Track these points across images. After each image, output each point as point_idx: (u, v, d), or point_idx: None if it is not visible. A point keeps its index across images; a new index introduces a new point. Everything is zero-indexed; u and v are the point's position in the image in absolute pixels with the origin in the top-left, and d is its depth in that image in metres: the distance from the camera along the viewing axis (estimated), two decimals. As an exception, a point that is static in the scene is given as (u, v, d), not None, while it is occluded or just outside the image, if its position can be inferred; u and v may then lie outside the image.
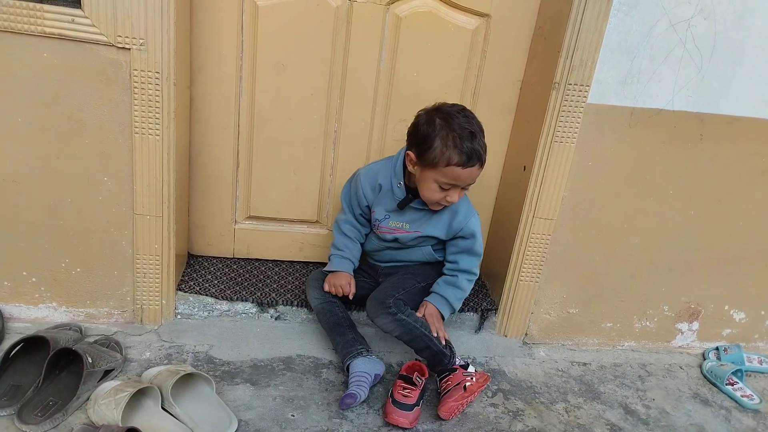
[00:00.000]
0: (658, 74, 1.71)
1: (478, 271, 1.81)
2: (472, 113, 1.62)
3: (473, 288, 1.85)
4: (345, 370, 1.70)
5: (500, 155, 2.00)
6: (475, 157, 1.56)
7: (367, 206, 1.80)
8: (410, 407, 1.58)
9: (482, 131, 1.60)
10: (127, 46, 1.49)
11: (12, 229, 1.64)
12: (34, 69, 1.49)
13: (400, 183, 1.72)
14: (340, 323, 1.77)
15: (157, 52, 1.50)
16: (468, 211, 1.77)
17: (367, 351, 1.70)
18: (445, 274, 1.82)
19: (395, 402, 1.58)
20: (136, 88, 1.53)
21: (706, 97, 1.76)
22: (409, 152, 1.65)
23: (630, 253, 1.95)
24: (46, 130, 1.56)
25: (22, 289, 1.71)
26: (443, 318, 1.77)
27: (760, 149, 1.86)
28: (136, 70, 1.51)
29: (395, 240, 1.81)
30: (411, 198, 1.73)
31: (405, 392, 1.60)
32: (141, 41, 1.49)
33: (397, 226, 1.78)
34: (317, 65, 1.82)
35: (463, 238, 1.78)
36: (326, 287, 1.80)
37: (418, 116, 1.65)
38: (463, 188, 1.65)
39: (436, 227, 1.77)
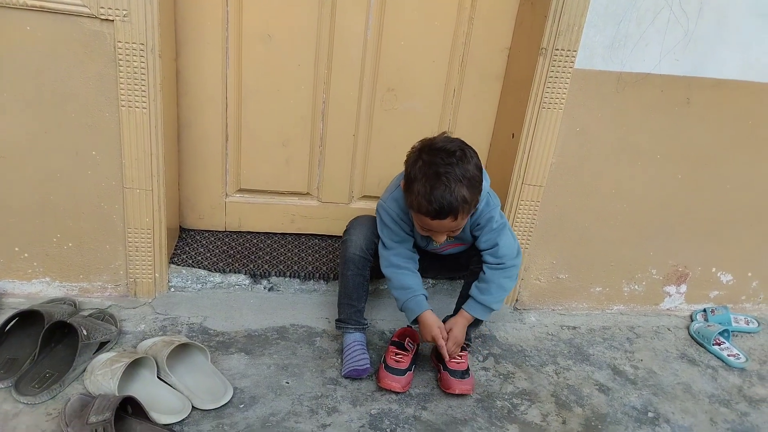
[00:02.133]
0: (645, 38, 1.71)
1: (508, 261, 1.61)
2: (465, 155, 1.44)
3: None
4: (339, 329, 1.72)
5: (489, 123, 2.00)
6: (445, 211, 1.42)
7: (411, 231, 1.65)
8: (402, 372, 1.61)
9: (468, 178, 1.42)
10: (110, 18, 1.48)
11: (2, 205, 1.64)
12: (18, 42, 1.48)
13: None
14: (364, 286, 1.70)
15: (141, 24, 1.49)
16: (487, 203, 1.61)
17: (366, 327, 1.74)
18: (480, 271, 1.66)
19: (388, 367, 1.61)
20: (120, 60, 1.52)
21: (693, 61, 1.77)
22: (402, 181, 1.54)
23: (618, 218, 1.97)
24: (33, 105, 1.55)
25: (15, 265, 1.72)
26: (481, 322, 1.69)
27: (746, 112, 1.87)
28: (120, 41, 1.50)
29: (448, 255, 1.76)
30: None
31: (397, 357, 1.63)
32: (124, 12, 1.48)
33: (441, 245, 1.66)
34: (303, 35, 1.81)
35: (480, 227, 1.63)
36: (427, 339, 1.63)
37: (412, 147, 1.52)
38: (453, 231, 1.53)
39: (465, 230, 1.64)
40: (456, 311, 1.73)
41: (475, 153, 1.48)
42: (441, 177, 1.41)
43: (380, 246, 1.66)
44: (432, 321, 1.63)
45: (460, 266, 1.77)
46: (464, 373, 1.64)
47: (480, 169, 1.48)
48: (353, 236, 1.68)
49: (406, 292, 1.64)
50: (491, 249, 1.62)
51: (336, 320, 1.74)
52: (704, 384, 1.84)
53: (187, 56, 1.78)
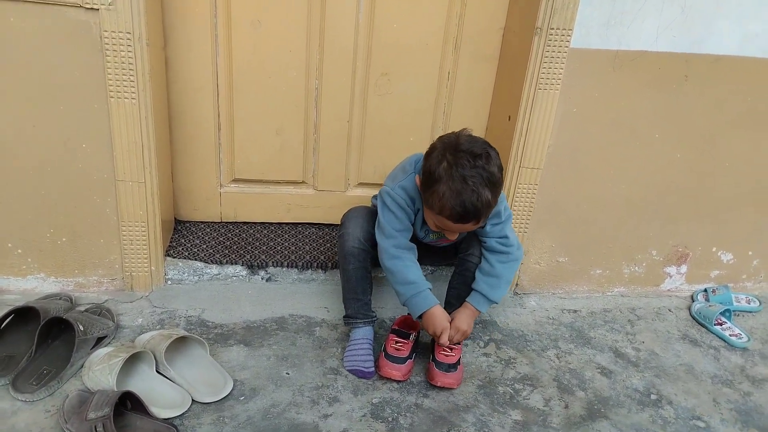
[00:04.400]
0: (642, 14, 1.68)
1: (515, 252, 1.63)
2: (490, 157, 1.42)
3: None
4: (348, 324, 1.70)
5: (485, 106, 1.97)
6: (469, 215, 1.41)
7: (413, 221, 1.63)
8: (403, 360, 1.60)
9: (493, 182, 1.41)
10: (95, 7, 1.44)
11: (-7, 201, 1.62)
12: (2, 34, 1.45)
13: None
14: (366, 278, 1.67)
15: (127, 12, 1.46)
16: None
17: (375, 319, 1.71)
18: (482, 261, 1.65)
19: (388, 355, 1.60)
20: (107, 50, 1.49)
21: (691, 37, 1.74)
22: (418, 176, 1.53)
23: (617, 200, 1.95)
24: (20, 98, 1.52)
25: (9, 261, 1.70)
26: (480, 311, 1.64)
27: (745, 88, 1.84)
28: (106, 31, 1.47)
29: (442, 247, 1.74)
30: None
31: (397, 346, 1.62)
32: (109, 0, 1.44)
33: (439, 236, 1.65)
34: (294, 20, 1.78)
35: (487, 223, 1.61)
36: (432, 331, 1.59)
37: (433, 144, 1.49)
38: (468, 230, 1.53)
39: None
40: (448, 301, 1.72)
41: (497, 154, 1.46)
42: (467, 181, 1.39)
43: (378, 234, 1.60)
44: (440, 314, 1.59)
45: (449, 254, 1.77)
46: (450, 367, 1.60)
47: (502, 170, 1.46)
48: (349, 229, 1.64)
49: (410, 287, 1.58)
50: (501, 239, 1.61)
51: (344, 317, 1.71)
52: (706, 365, 1.83)
53: (175, 44, 1.74)
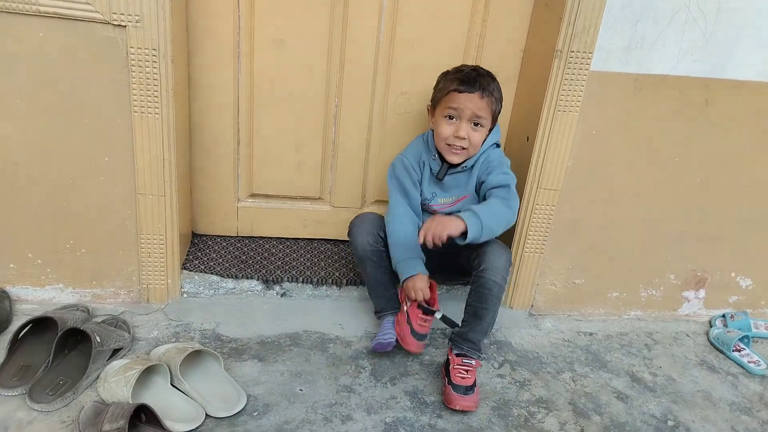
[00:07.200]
0: (662, 39, 1.68)
1: (514, 203, 1.62)
2: (494, 77, 1.65)
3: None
4: (379, 317, 1.79)
5: (503, 126, 1.97)
6: (472, 81, 1.58)
7: (419, 181, 1.73)
8: (425, 337, 1.69)
9: (497, 82, 1.64)
10: (122, 24, 1.47)
11: (16, 211, 1.64)
12: (31, 49, 1.48)
13: (434, 156, 1.70)
14: (388, 273, 1.73)
15: (153, 29, 1.49)
16: (500, 154, 1.71)
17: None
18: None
19: (414, 332, 1.66)
20: (133, 66, 1.52)
21: (711, 62, 1.74)
22: (428, 106, 1.70)
23: (635, 222, 1.94)
24: (46, 111, 1.55)
25: (28, 271, 1.72)
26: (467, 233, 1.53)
27: (766, 113, 1.83)
28: (132, 47, 1.50)
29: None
30: (447, 166, 1.70)
31: (422, 323, 1.67)
32: (137, 18, 1.47)
33: (446, 201, 1.74)
34: (316, 39, 1.80)
35: (492, 167, 1.68)
36: (403, 296, 1.71)
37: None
38: (475, 124, 1.61)
39: (473, 181, 1.71)
40: (464, 320, 1.67)
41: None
42: (469, 66, 1.65)
43: (388, 204, 1.74)
44: (423, 281, 1.65)
45: (461, 267, 1.75)
46: (468, 389, 1.58)
47: (502, 98, 1.66)
48: (357, 235, 1.72)
49: (403, 251, 1.66)
50: (503, 187, 1.64)
51: (374, 312, 1.80)
52: (724, 391, 1.80)
53: (199, 61, 1.77)
